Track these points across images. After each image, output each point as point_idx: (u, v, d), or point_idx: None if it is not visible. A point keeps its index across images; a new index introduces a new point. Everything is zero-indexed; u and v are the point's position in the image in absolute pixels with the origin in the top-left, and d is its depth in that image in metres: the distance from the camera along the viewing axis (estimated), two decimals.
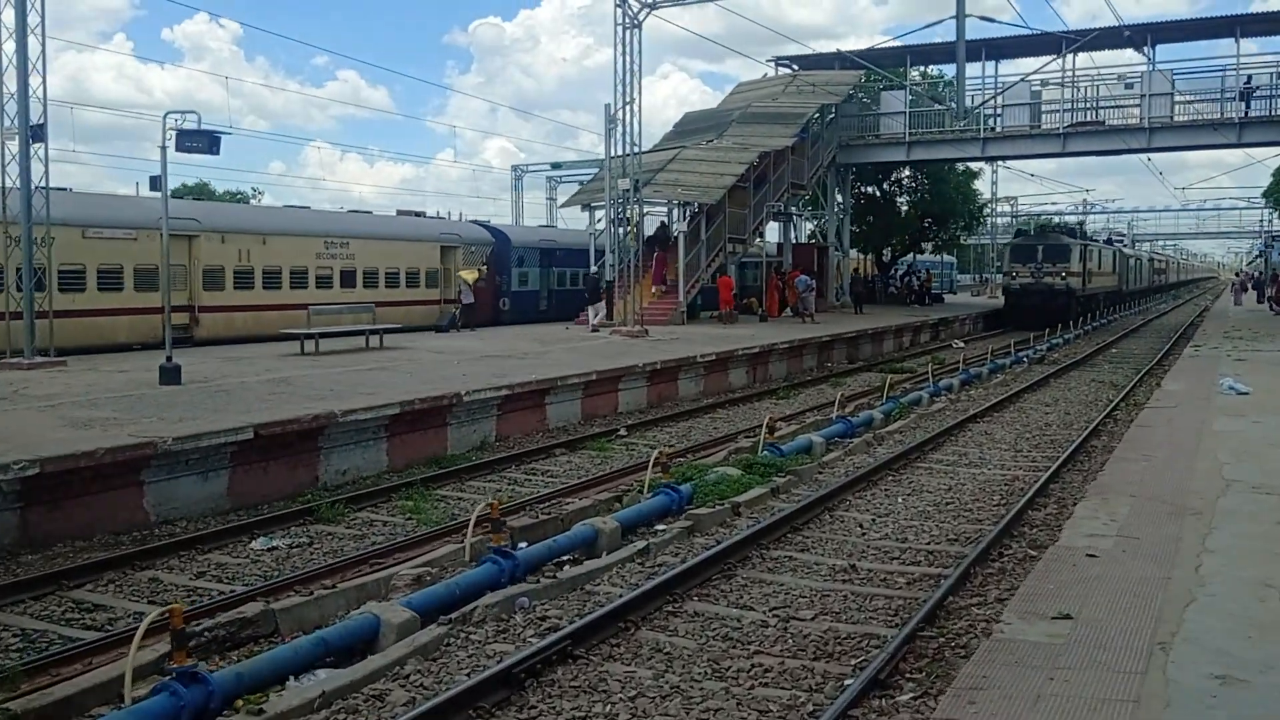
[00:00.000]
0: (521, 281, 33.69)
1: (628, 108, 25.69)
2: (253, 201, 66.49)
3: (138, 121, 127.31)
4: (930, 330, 37.09)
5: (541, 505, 11.08)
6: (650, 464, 10.78)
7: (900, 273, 51.63)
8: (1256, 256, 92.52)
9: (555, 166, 56.07)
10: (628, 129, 24.91)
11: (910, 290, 47.87)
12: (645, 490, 10.80)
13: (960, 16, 37.72)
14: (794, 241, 41.66)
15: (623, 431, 16.36)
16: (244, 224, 24.67)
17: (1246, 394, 14.05)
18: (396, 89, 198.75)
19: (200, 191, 63.23)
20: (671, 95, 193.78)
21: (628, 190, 24.75)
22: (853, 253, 49.80)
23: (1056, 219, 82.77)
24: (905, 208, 50.27)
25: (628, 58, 24.64)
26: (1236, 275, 78.97)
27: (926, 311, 42.03)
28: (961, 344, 34.60)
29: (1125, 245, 68.94)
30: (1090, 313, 42.00)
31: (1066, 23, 36.86)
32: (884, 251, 52.03)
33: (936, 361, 29.12)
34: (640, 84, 24.91)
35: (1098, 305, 45.79)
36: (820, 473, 12.60)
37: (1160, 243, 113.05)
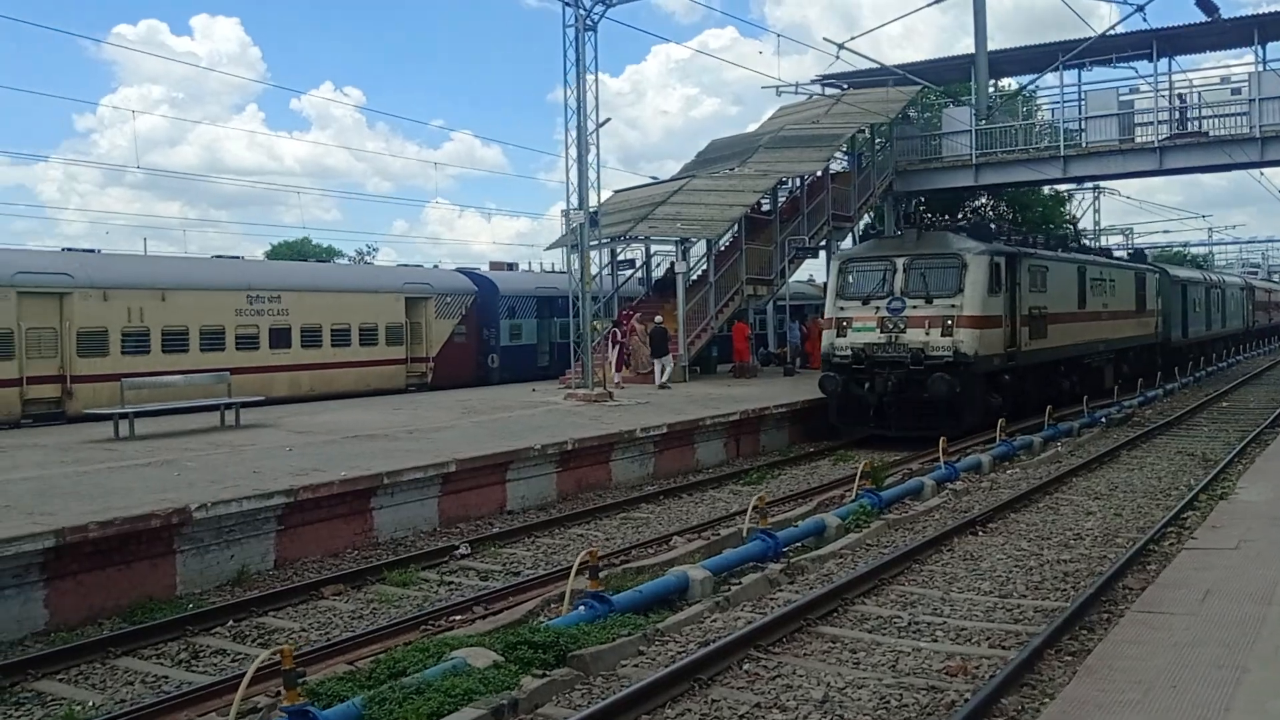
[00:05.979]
0: (514, 335, 29.61)
1: (596, 132, 21.34)
2: (366, 260, 63.47)
3: (268, 189, 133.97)
4: None
5: None
6: (242, 683, 6.12)
7: None
8: None
9: None
10: (582, 153, 20.47)
11: None
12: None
13: (979, 15, 33.23)
14: None
15: (463, 550, 11.78)
16: (134, 279, 21.07)
17: None
18: (509, 147, 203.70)
19: (302, 249, 60.27)
20: None
21: (581, 225, 20.26)
22: None
23: (1180, 251, 74.88)
24: None
25: (581, 66, 20.28)
26: None
27: None
28: None
29: (1200, 269, 50.58)
30: (1040, 401, 20.91)
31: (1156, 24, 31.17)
32: None
33: None
34: (597, 97, 20.50)
35: (1072, 381, 24.16)
36: (641, 652, 7.78)
37: None
